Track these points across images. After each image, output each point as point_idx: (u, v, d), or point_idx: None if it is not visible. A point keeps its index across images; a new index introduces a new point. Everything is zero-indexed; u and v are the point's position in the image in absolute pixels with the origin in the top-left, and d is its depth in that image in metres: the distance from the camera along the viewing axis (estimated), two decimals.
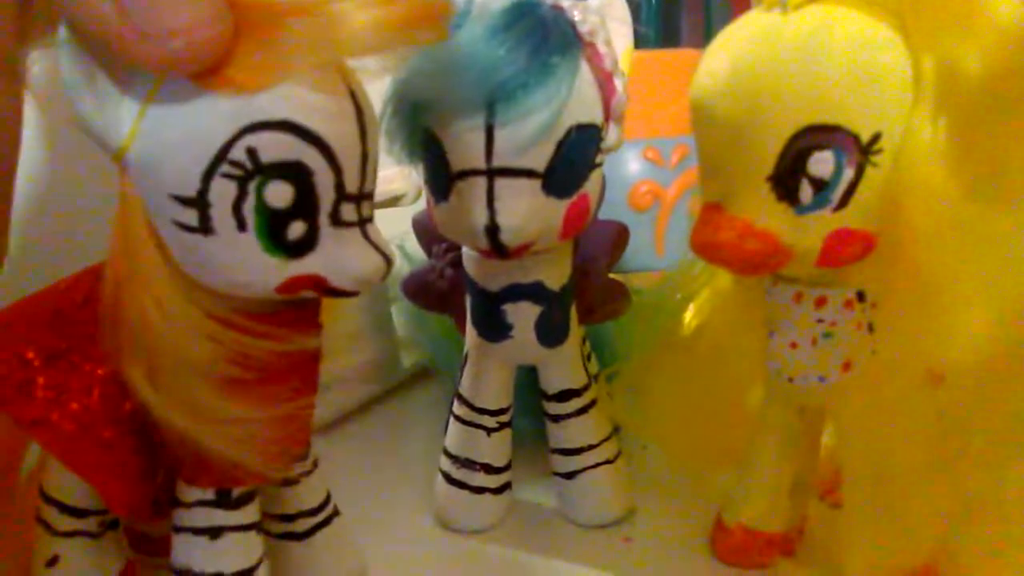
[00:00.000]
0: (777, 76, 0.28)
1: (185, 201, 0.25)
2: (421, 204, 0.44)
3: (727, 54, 0.29)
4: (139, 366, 0.27)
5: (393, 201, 0.52)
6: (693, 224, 0.31)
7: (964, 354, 0.29)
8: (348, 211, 0.27)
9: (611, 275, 0.41)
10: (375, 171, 0.28)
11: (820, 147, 0.28)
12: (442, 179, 0.33)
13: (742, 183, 0.29)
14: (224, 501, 0.30)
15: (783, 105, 0.28)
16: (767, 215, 0.29)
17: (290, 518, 0.34)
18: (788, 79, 0.27)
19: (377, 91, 0.30)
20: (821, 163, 0.28)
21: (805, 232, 0.29)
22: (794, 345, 0.33)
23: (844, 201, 0.28)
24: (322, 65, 0.25)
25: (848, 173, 0.28)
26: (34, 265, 0.32)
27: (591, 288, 0.40)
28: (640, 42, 0.41)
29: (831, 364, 0.32)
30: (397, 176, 0.52)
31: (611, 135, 0.34)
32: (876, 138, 0.27)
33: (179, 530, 0.30)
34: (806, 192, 0.28)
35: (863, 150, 0.28)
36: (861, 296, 0.31)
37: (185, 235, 0.25)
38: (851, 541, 0.34)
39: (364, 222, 0.28)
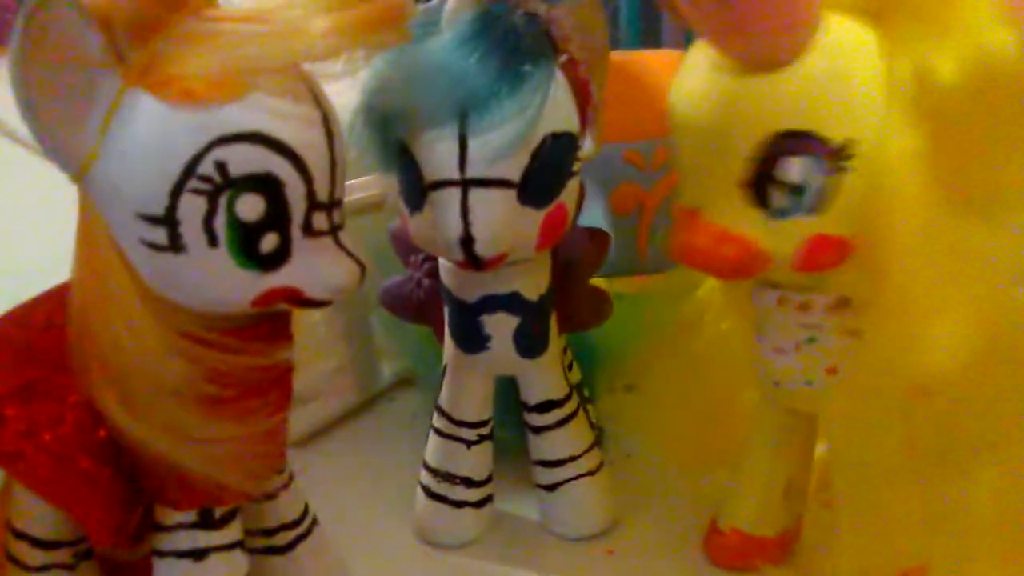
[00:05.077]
0: (749, 83, 0.28)
1: (153, 220, 0.24)
2: None
3: (703, 61, 0.29)
4: (112, 391, 0.26)
5: (374, 207, 0.51)
6: (671, 229, 0.31)
7: (942, 360, 0.29)
8: (320, 220, 0.26)
9: (593, 281, 0.41)
10: (344, 178, 0.28)
11: (792, 153, 0.28)
12: (415, 190, 0.33)
13: (717, 189, 0.29)
14: (207, 522, 0.29)
15: (755, 112, 0.28)
16: (742, 221, 0.29)
17: (270, 532, 0.33)
18: (759, 86, 0.27)
19: (344, 103, 0.30)
20: (793, 169, 0.28)
21: (780, 237, 0.29)
22: (779, 350, 0.32)
23: (818, 206, 0.28)
24: (284, 72, 0.25)
25: (820, 179, 0.28)
26: None
27: (571, 297, 0.39)
28: (620, 43, 0.40)
29: (816, 369, 0.32)
30: (377, 181, 0.52)
31: (588, 143, 0.34)
32: (848, 143, 0.27)
33: (162, 555, 0.30)
34: (779, 198, 0.28)
35: (835, 155, 0.27)
36: (843, 301, 0.31)
37: (155, 254, 0.25)
38: (842, 543, 0.34)
39: (336, 229, 0.27)
